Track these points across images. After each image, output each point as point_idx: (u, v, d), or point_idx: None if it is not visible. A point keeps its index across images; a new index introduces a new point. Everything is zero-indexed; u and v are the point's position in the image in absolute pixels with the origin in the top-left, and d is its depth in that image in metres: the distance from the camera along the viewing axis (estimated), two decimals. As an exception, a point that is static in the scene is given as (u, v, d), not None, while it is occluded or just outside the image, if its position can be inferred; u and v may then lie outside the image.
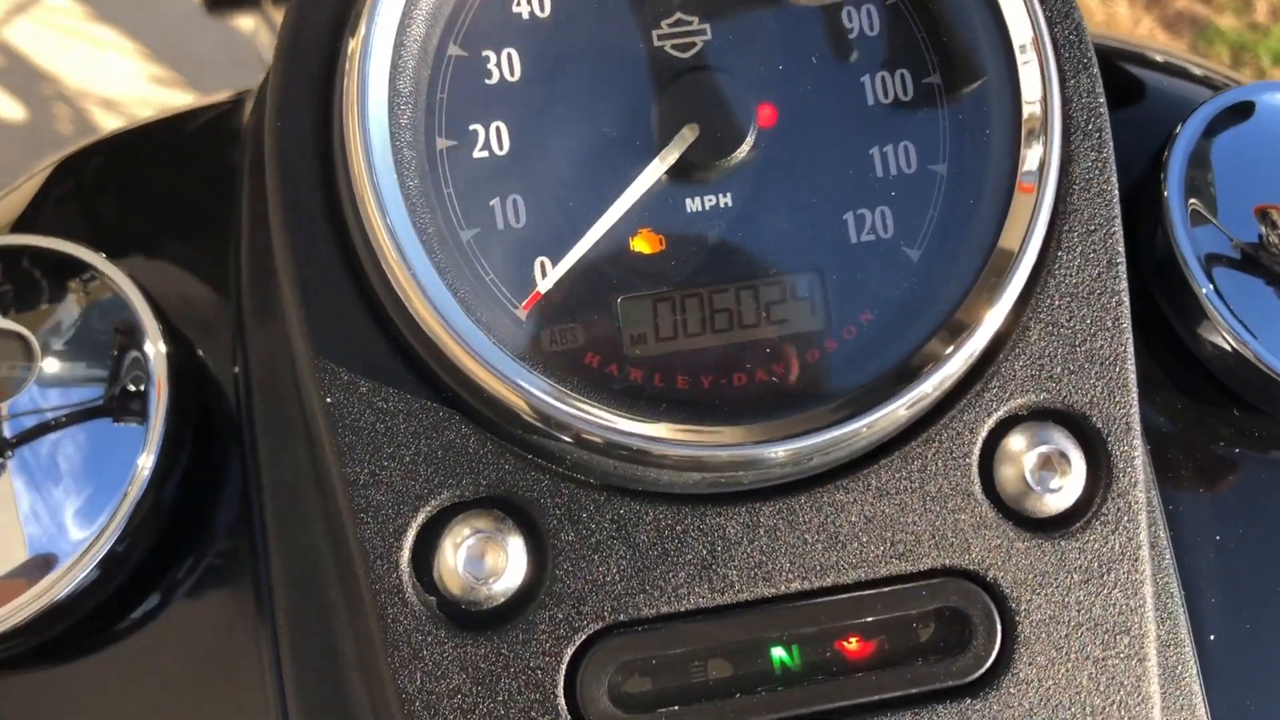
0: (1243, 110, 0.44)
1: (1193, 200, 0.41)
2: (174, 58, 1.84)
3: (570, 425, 0.29)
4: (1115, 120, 0.43)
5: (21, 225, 0.49)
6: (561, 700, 0.29)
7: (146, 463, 0.36)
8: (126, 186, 0.51)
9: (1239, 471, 0.39)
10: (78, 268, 0.41)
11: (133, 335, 0.38)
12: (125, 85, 1.80)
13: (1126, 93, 0.47)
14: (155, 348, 0.38)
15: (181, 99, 1.82)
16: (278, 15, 1.07)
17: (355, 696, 0.32)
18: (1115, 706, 0.31)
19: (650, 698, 0.29)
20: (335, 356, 0.29)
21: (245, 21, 1.89)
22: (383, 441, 0.29)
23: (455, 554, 0.29)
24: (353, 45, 0.29)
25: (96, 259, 0.40)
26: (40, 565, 0.36)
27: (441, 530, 0.30)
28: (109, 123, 1.76)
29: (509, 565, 0.29)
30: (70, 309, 0.39)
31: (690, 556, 0.29)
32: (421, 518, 0.29)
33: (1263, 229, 0.40)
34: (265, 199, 0.34)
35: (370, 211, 0.28)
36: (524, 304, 0.30)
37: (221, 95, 0.55)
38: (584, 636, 0.29)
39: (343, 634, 0.33)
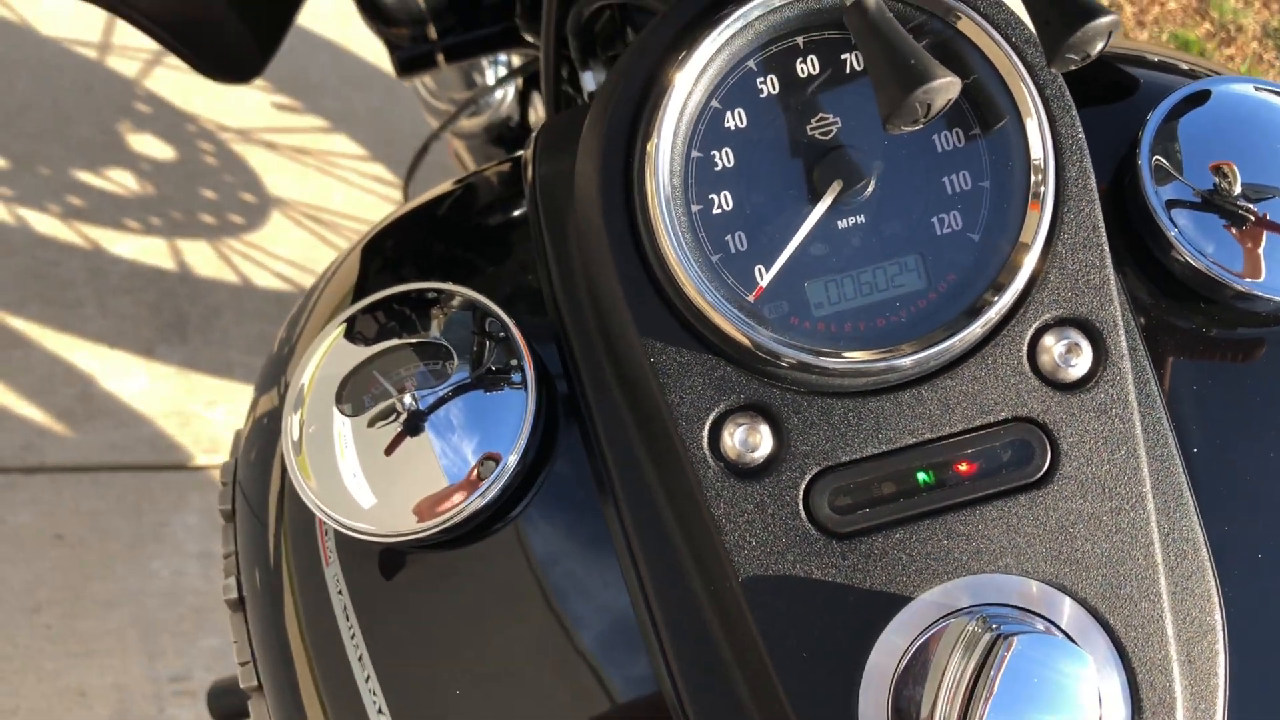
0: (1201, 97, 0.65)
1: (1159, 158, 0.62)
2: (293, 84, 2.07)
3: (786, 357, 0.51)
4: (1110, 109, 0.65)
5: (365, 282, 0.72)
6: (802, 512, 0.52)
7: (531, 406, 0.59)
8: (441, 238, 0.73)
9: (1205, 342, 0.61)
10: (441, 297, 0.64)
11: (496, 328, 0.61)
12: (256, 116, 2.04)
13: (1120, 86, 0.68)
14: (517, 333, 0.60)
15: (307, 121, 2.06)
16: (450, 71, 1.24)
17: (671, 530, 0.55)
18: (1123, 485, 0.53)
19: (852, 506, 0.52)
20: (651, 334, 0.52)
21: (352, 42, 2.13)
22: (683, 376, 0.51)
23: (731, 436, 0.52)
24: (649, 147, 0.51)
25: (454, 286, 0.63)
26: (473, 481, 0.59)
27: (721, 423, 0.52)
28: (248, 152, 2.01)
29: (762, 441, 0.52)
30: (452, 319, 0.62)
31: (867, 424, 0.52)
32: (710, 417, 0.52)
33: (1215, 179, 0.62)
34: (584, 238, 0.56)
35: (666, 249, 0.51)
36: (753, 294, 0.52)
37: (494, 165, 0.77)
38: (811, 474, 0.52)
39: (660, 499, 0.56)
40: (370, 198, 2.00)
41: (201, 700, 1.63)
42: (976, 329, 0.52)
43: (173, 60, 2.08)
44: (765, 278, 0.53)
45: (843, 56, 0.54)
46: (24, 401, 1.77)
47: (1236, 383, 0.60)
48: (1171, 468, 0.56)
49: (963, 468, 0.53)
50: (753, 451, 0.52)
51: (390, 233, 0.74)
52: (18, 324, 1.82)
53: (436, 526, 0.58)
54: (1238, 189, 0.60)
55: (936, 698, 0.50)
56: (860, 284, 0.53)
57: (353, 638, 0.63)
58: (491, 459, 0.60)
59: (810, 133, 0.53)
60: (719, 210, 0.53)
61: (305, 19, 2.09)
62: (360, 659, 0.63)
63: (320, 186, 1.99)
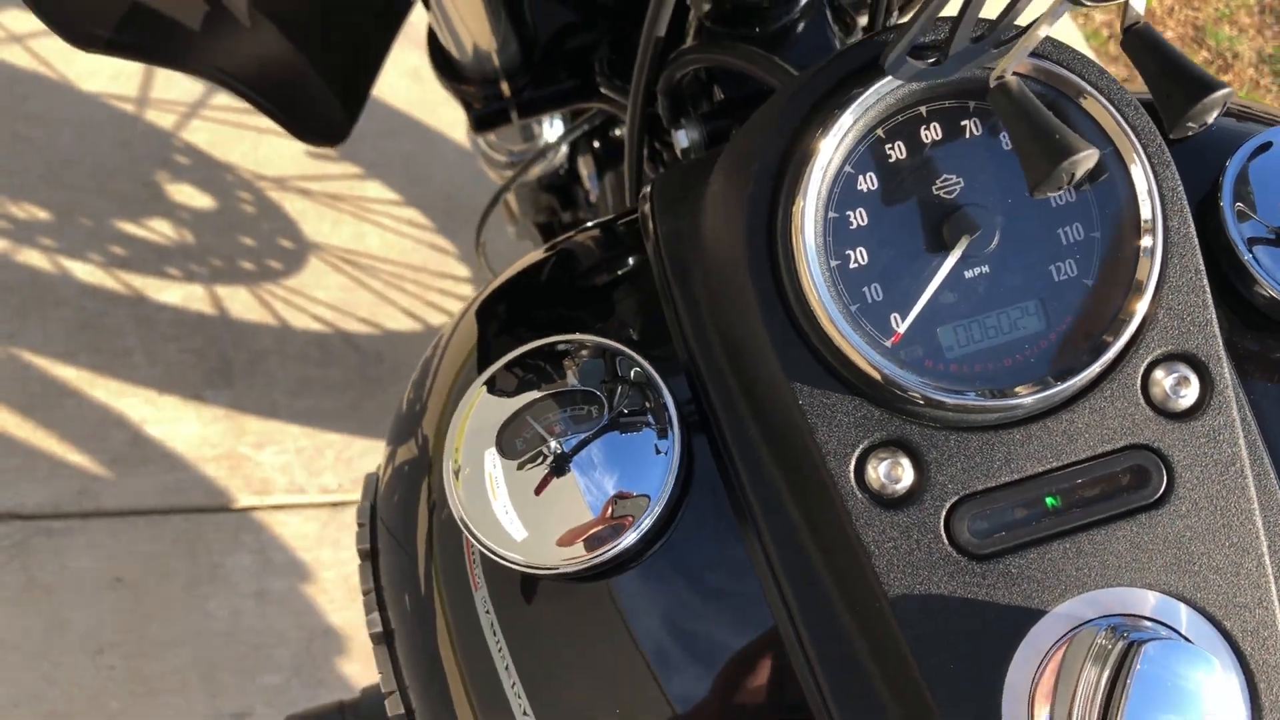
0: (1267, 144, 0.71)
1: (1239, 205, 0.68)
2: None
3: (925, 395, 0.56)
4: (1189, 156, 0.71)
5: (485, 342, 0.77)
6: (944, 537, 0.57)
7: (677, 446, 0.64)
8: (552, 294, 0.79)
9: None
10: (573, 347, 0.69)
11: (628, 371, 0.66)
12: (291, 165, 2.10)
13: (1197, 136, 0.75)
14: (657, 376, 0.66)
15: (341, 168, 2.11)
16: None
17: (815, 558, 0.60)
18: (1233, 502, 0.58)
19: (988, 530, 0.57)
20: (798, 378, 0.57)
21: (383, 92, 2.19)
22: (830, 416, 0.57)
23: (876, 470, 0.57)
24: (794, 209, 0.57)
25: (589, 336, 0.68)
26: (619, 520, 0.64)
27: (866, 458, 0.58)
28: (285, 200, 2.06)
29: (904, 474, 0.57)
30: (585, 368, 0.68)
31: (999, 455, 0.57)
32: (856, 452, 0.57)
33: (1287, 217, 0.68)
34: (722, 290, 0.62)
35: (812, 299, 0.56)
36: (891, 339, 0.58)
37: (586, 229, 0.82)
38: (950, 502, 0.57)
39: (803, 530, 0.61)
40: (406, 241, 2.05)
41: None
42: (1096, 367, 0.57)
43: (208, 112, 2.13)
44: (902, 325, 0.58)
45: (962, 123, 0.60)
46: (78, 448, 1.81)
47: None
48: (1269, 484, 0.61)
49: (1087, 493, 0.58)
50: (896, 484, 0.57)
51: (502, 294, 0.80)
52: (69, 373, 1.87)
53: (586, 563, 0.63)
54: (1310, 226, 0.66)
55: (1073, 705, 0.55)
56: (986, 328, 0.59)
57: (500, 650, 0.68)
58: (640, 497, 0.65)
59: (936, 192, 0.59)
60: (855, 265, 0.59)
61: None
62: (506, 668, 0.67)
63: (355, 232, 2.05)
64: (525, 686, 0.66)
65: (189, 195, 2.04)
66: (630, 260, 0.77)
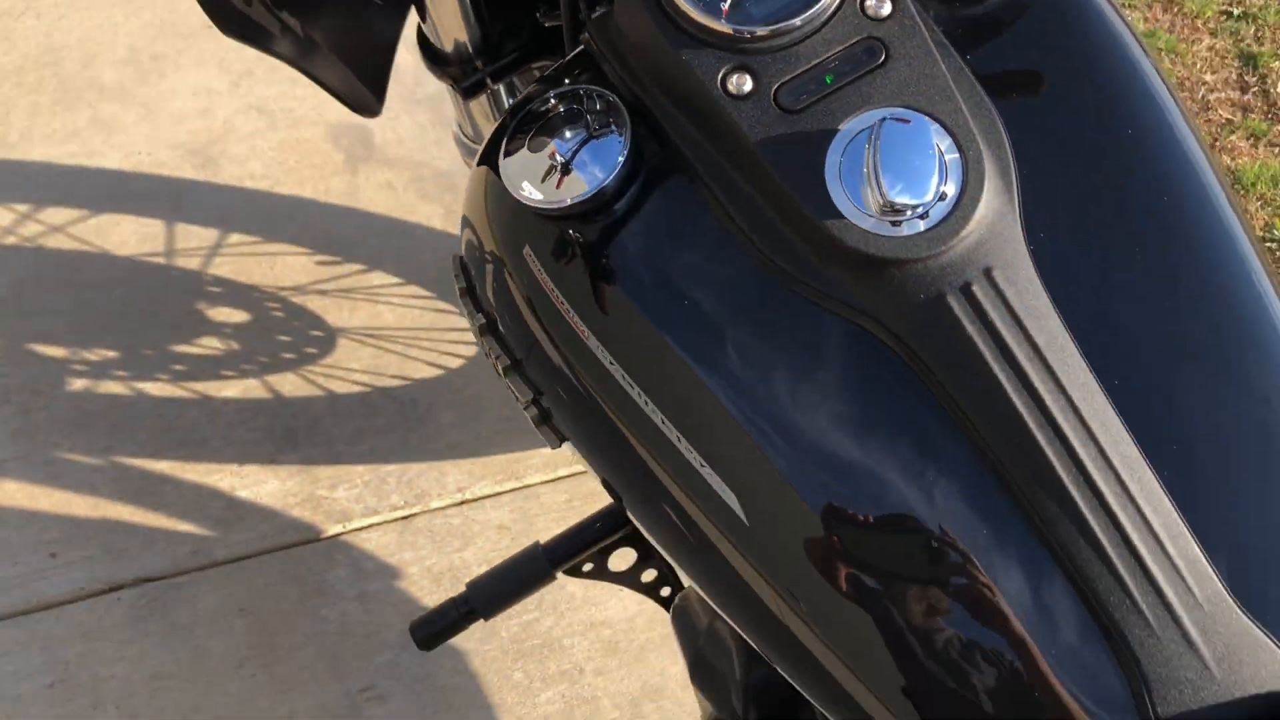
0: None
1: None
2: (329, 245, 2.54)
3: (748, 32, 0.78)
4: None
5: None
6: (774, 105, 0.77)
7: (628, 132, 0.94)
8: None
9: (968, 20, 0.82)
10: (560, 96, 1.01)
11: (599, 101, 0.89)
12: (305, 274, 2.50)
13: None
14: (611, 96, 0.91)
15: (347, 268, 2.52)
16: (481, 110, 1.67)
17: (716, 155, 0.80)
18: (925, 61, 0.76)
19: (799, 96, 0.77)
20: (677, 44, 0.78)
21: (367, 204, 2.62)
22: (700, 59, 0.78)
23: (732, 81, 0.77)
24: None
25: (563, 88, 0.95)
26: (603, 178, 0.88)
27: (726, 78, 0.78)
28: (307, 301, 2.46)
29: (747, 81, 0.77)
30: (568, 108, 0.96)
31: (798, 59, 0.77)
32: (719, 76, 0.77)
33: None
34: (630, 22, 0.94)
35: (679, 3, 0.92)
36: (724, 11, 0.97)
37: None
38: (774, 88, 0.77)
39: (708, 145, 0.79)
40: (414, 311, 2.46)
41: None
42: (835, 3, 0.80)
43: (225, 250, 2.55)
44: (725, 4, 0.88)
45: None
46: (183, 520, 2.15)
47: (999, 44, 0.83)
48: (946, 53, 0.80)
49: (845, 67, 0.79)
50: (744, 87, 0.80)
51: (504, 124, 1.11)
52: (161, 466, 2.22)
53: (586, 195, 0.84)
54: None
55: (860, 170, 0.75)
56: None
57: (558, 298, 0.87)
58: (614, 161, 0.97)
59: None
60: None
61: (331, 198, 2.60)
62: (565, 309, 0.87)
63: (371, 313, 2.45)
64: (574, 309, 0.86)
65: (227, 314, 2.44)
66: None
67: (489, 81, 1.27)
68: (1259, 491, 0.74)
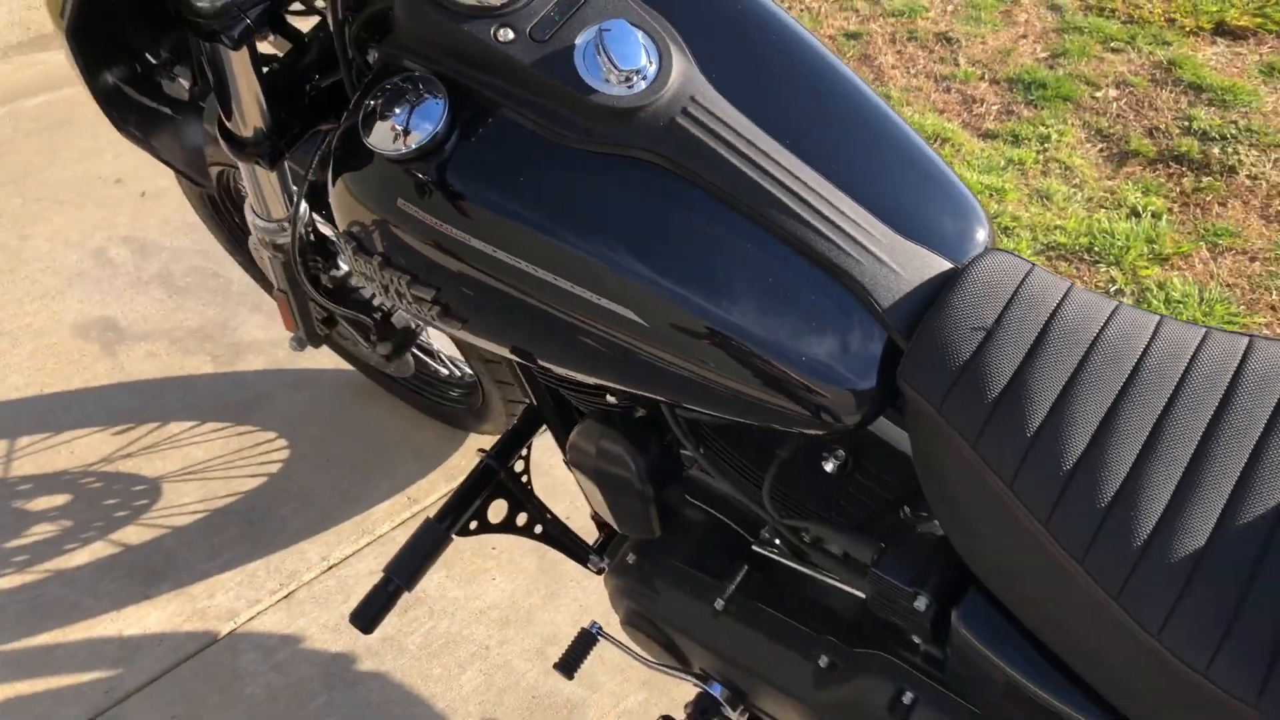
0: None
1: None
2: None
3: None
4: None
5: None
6: (528, 38, 1.13)
7: (445, 98, 1.12)
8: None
9: None
10: (405, 80, 1.25)
11: (421, 79, 1.16)
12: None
13: None
14: (430, 74, 1.14)
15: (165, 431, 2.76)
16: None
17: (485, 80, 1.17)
18: None
19: (545, 34, 1.14)
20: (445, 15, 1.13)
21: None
22: (464, 24, 1.12)
23: (498, 32, 1.12)
24: None
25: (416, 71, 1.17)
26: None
27: (495, 32, 1.13)
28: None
29: (509, 33, 1.13)
30: (398, 90, 1.16)
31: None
32: (484, 29, 1.13)
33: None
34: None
35: None
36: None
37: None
38: (527, 29, 1.12)
39: (488, 81, 1.14)
40: (220, 440, 2.74)
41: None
42: None
43: (19, 454, 2.71)
44: None
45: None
46: (84, 672, 2.31)
47: None
48: None
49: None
50: (509, 35, 1.12)
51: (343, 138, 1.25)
52: (42, 639, 2.36)
53: (427, 138, 1.12)
54: None
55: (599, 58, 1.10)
56: None
57: (427, 216, 1.17)
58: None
59: None
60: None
61: (101, 381, 2.82)
62: (433, 221, 1.16)
63: (182, 455, 2.71)
64: (449, 224, 1.16)
65: (47, 501, 2.61)
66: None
67: (284, 150, 1.50)
68: (886, 176, 1.16)
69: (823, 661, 1.43)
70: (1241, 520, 0.93)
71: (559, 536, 2.04)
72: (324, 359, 2.89)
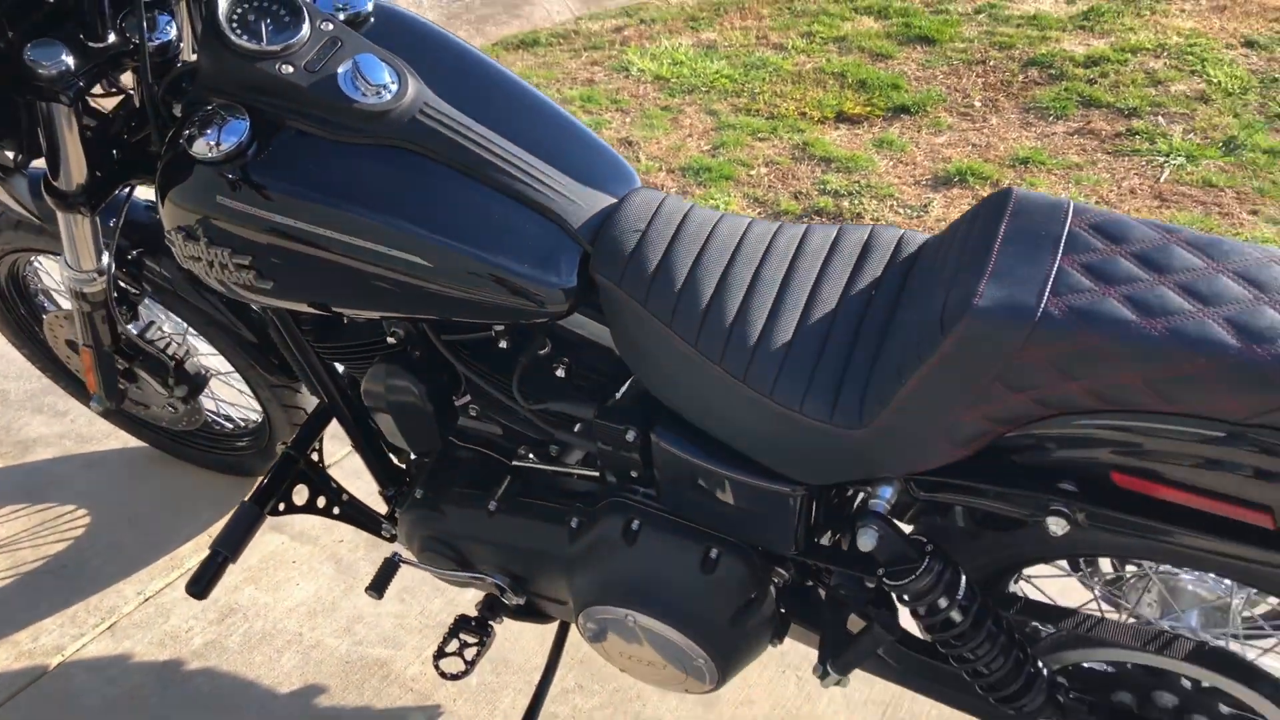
0: None
1: None
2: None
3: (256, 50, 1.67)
4: None
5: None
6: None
7: (248, 119, 1.73)
8: None
9: None
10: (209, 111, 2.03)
11: (231, 110, 1.73)
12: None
13: None
14: (238, 105, 1.84)
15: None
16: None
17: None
18: None
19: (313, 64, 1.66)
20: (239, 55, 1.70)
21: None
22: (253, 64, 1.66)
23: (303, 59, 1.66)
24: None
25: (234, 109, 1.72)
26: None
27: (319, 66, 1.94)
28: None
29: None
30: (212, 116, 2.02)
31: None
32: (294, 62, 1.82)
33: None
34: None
35: (231, 42, 1.99)
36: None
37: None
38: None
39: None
40: (14, 521, 2.98)
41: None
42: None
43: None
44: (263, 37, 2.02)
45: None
46: None
47: None
48: None
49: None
50: (287, 69, 1.56)
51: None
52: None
53: (234, 144, 1.57)
54: None
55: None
56: None
57: (244, 206, 1.58)
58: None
59: None
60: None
61: None
62: (249, 208, 1.57)
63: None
64: (262, 208, 1.56)
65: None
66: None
67: (102, 199, 1.86)
68: (564, 147, 1.65)
69: (573, 523, 1.94)
70: (812, 318, 1.53)
71: (355, 514, 2.45)
72: (113, 440, 3.21)
